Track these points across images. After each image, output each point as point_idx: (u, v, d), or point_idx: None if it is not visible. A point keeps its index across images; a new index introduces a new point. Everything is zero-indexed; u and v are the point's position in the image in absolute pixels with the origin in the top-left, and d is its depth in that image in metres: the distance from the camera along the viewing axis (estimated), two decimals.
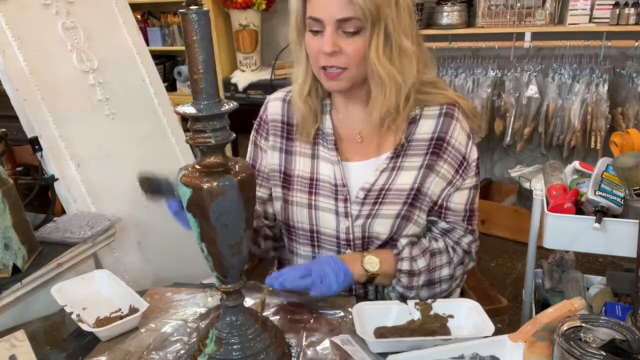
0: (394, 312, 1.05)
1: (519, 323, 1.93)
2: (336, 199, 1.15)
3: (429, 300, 1.06)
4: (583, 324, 0.80)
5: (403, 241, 1.13)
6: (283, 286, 1.02)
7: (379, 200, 1.13)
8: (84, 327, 1.01)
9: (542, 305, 1.72)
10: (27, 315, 1.19)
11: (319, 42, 1.04)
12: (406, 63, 1.06)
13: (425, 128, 1.13)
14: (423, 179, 1.12)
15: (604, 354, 0.74)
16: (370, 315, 1.03)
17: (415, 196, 1.12)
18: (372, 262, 1.09)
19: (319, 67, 1.07)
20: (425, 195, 1.13)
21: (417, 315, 1.04)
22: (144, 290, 1.17)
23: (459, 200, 1.16)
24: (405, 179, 1.13)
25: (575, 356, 0.75)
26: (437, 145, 1.13)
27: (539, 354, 0.87)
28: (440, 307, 1.05)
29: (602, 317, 0.81)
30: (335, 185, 1.15)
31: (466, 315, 1.03)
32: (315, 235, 1.18)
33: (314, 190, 1.17)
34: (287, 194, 1.20)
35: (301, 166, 1.19)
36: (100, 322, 1.06)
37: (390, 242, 1.15)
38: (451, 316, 1.04)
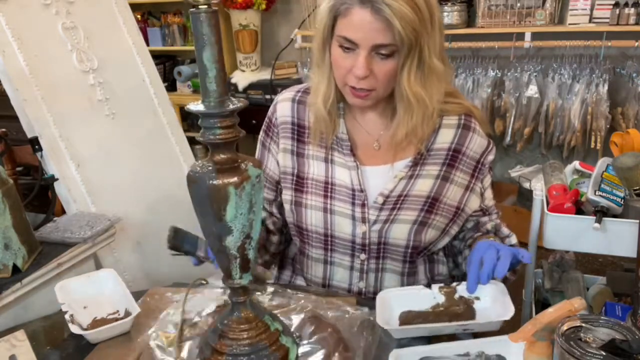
0: (418, 297, 1.04)
1: (519, 323, 1.92)
2: (353, 204, 1.14)
3: (453, 284, 1.05)
4: (583, 324, 0.80)
5: (489, 226, 1.18)
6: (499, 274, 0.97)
7: (397, 205, 1.13)
8: (73, 328, 1.00)
9: (542, 305, 1.72)
10: (27, 315, 1.19)
11: (350, 62, 1.02)
12: (435, 84, 1.06)
13: (444, 137, 1.15)
14: (440, 189, 1.14)
15: (604, 354, 0.73)
16: (395, 301, 1.04)
17: (432, 204, 1.13)
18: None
19: (346, 84, 1.06)
20: (442, 203, 1.14)
21: (441, 299, 1.04)
22: (144, 290, 1.17)
23: (488, 195, 1.22)
24: (423, 187, 1.13)
25: (575, 356, 0.75)
26: (453, 157, 1.15)
27: (539, 354, 0.87)
28: (465, 290, 1.03)
29: (602, 317, 0.81)
30: (353, 190, 1.14)
31: (493, 298, 1.00)
32: (329, 239, 1.17)
33: (329, 194, 1.16)
34: (299, 196, 1.18)
35: (315, 169, 1.18)
36: (96, 323, 1.06)
37: (406, 251, 1.15)
38: (477, 298, 1.02)
